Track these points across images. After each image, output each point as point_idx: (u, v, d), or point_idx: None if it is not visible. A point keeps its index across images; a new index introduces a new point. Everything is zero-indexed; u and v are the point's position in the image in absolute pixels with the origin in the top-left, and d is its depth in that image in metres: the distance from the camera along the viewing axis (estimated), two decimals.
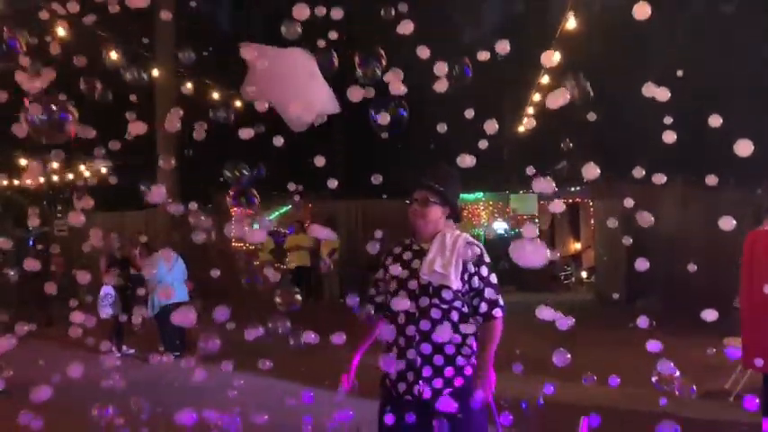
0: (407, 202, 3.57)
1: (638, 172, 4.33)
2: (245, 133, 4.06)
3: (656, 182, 4.07)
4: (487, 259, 3.45)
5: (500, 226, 18.79)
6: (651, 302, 11.99)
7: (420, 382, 3.33)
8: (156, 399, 4.18)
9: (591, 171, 3.51)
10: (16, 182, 16.52)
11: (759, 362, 5.14)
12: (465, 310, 3.40)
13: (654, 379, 3.39)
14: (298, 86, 3.98)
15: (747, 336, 5.83)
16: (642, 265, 3.74)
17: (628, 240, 4.42)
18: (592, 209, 17.78)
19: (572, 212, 19.09)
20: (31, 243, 14.34)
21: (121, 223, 15.40)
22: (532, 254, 3.06)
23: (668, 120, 4.11)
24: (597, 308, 14.36)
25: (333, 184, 5.38)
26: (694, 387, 3.38)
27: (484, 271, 3.40)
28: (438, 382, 3.33)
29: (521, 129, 15.76)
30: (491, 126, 4.00)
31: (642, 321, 3.77)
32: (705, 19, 16.72)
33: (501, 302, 3.41)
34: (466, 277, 3.37)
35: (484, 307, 3.38)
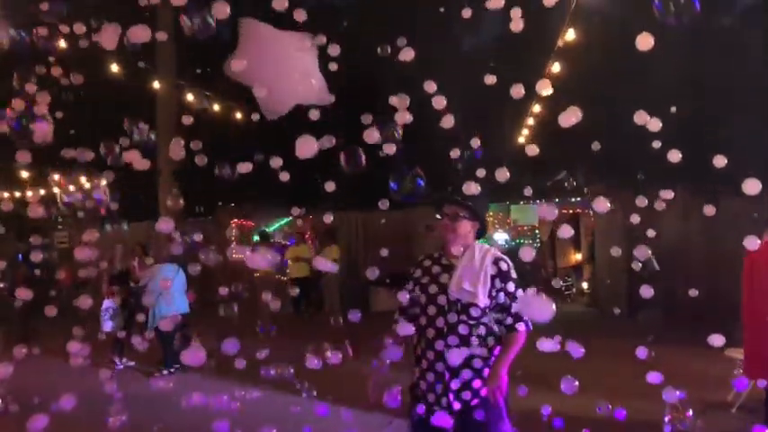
0: (438, 216, 3.66)
1: (641, 201, 4.37)
2: (244, 167, 4.09)
3: (662, 201, 4.10)
4: (514, 275, 3.54)
5: (501, 237, 18.76)
6: (652, 314, 11.94)
7: (449, 394, 3.43)
8: (156, 414, 4.18)
9: (601, 205, 3.54)
10: (18, 194, 16.52)
11: (762, 383, 5.14)
12: (491, 324, 3.49)
13: (666, 419, 3.40)
14: (284, 73, 3.93)
15: (749, 348, 5.82)
16: (647, 292, 3.77)
17: (637, 265, 4.44)
18: (592, 219, 17.73)
19: (572, 223, 19.03)
20: (20, 258, 14.23)
21: (122, 235, 15.37)
22: (539, 309, 3.10)
23: (667, 133, 4.14)
24: (598, 319, 14.32)
25: (328, 219, 5.46)
26: None
27: (510, 287, 3.51)
28: (466, 394, 3.44)
29: (521, 140, 15.77)
30: (502, 174, 4.05)
31: (641, 352, 3.81)
32: (706, 25, 16.76)
33: (526, 318, 3.48)
34: (493, 293, 3.48)
35: (509, 320, 3.48)
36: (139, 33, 3.31)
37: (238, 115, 15.26)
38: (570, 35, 10.12)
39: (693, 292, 4.99)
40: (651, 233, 4.97)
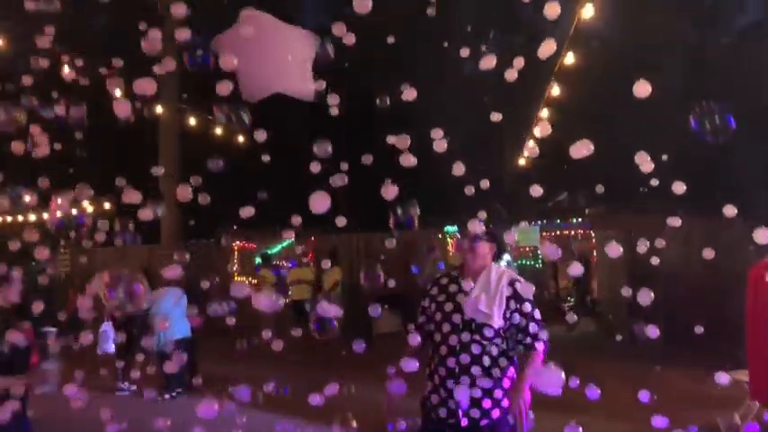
0: (460, 236, 3.72)
1: (643, 245, 4.39)
2: (246, 212, 4.14)
3: (669, 230, 4.15)
4: (530, 296, 3.65)
5: (503, 258, 18.67)
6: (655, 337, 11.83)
7: (459, 410, 3.51)
8: None
9: (614, 250, 3.59)
10: (20, 218, 16.54)
11: None
12: (504, 346, 3.60)
13: None
14: (272, 59, 3.91)
15: (754, 370, 5.78)
16: (653, 332, 3.81)
17: (647, 297, 4.46)
18: (594, 240, 17.70)
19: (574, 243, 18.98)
20: None
21: (123, 259, 15.36)
22: (548, 381, 3.13)
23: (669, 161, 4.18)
24: (601, 340, 14.24)
25: (326, 264, 5.47)
26: None
27: (527, 307, 3.62)
28: (475, 412, 3.52)
29: (521, 162, 15.79)
30: (510, 237, 4.15)
31: (644, 396, 3.83)
32: (706, 48, 16.84)
33: (543, 337, 3.61)
34: (507, 314, 3.59)
35: (527, 340, 3.59)
36: (145, 86, 3.38)
37: (241, 139, 15.32)
38: (569, 59, 10.17)
39: (699, 329, 4.99)
40: (655, 260, 4.96)
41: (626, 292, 5.66)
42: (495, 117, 4.62)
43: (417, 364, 3.56)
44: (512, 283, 3.65)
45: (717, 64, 14.64)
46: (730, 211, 3.89)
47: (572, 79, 10.73)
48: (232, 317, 4.64)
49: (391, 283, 5.24)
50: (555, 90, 10.94)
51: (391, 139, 4.05)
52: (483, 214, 4.11)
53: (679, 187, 3.95)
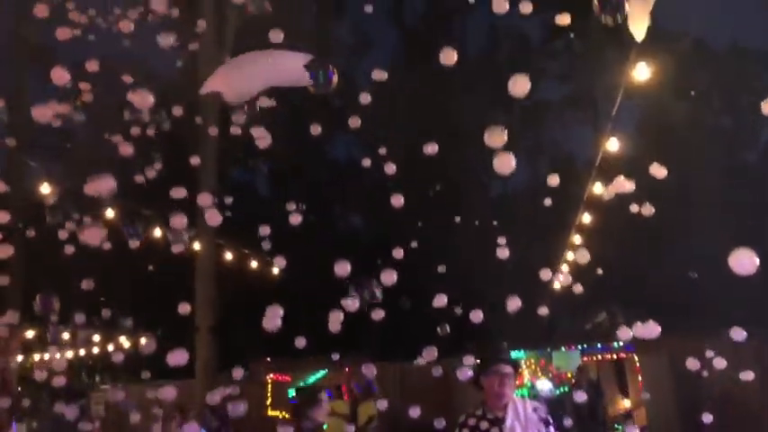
0: (494, 372, 4.06)
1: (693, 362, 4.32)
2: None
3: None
4: (551, 419, 4.06)
5: (544, 385, 17.96)
6: None
7: None
8: None
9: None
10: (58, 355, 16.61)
11: None
12: None
13: None
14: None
15: None
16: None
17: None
18: (638, 364, 17.05)
19: (618, 368, 18.28)
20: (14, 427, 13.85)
21: (156, 396, 15.14)
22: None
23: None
24: None
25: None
26: None
27: (552, 430, 4.00)
28: None
29: (557, 286, 15.63)
30: (541, 382, 4.61)
31: None
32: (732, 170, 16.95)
33: None
34: None
35: None
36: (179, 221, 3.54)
37: (275, 270, 15.52)
38: (598, 188, 10.35)
39: None
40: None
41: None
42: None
43: None
44: (535, 410, 4.05)
45: (746, 182, 14.69)
46: None
47: (602, 207, 10.84)
48: None
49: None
50: (585, 217, 11.06)
51: (423, 358, 4.52)
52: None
53: (738, 333, 4.03)
